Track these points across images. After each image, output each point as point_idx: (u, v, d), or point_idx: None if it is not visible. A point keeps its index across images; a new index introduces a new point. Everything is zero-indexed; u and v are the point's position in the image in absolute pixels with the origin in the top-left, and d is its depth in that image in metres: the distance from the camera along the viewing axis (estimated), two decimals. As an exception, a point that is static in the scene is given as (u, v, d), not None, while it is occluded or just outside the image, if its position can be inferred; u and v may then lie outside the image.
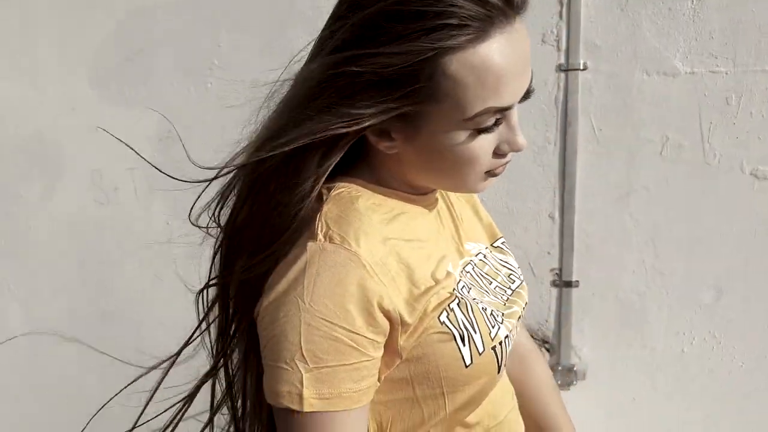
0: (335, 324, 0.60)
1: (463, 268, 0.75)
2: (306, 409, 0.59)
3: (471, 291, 0.72)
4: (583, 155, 1.70)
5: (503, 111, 0.64)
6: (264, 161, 0.62)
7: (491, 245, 0.84)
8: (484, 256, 0.80)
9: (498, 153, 0.67)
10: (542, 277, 1.78)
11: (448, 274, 0.70)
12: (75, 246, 2.02)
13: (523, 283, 0.82)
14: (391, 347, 0.64)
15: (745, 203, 1.62)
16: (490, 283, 0.77)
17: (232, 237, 0.66)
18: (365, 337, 0.61)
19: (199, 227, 0.70)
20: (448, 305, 0.66)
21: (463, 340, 0.66)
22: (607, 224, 1.71)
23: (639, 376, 1.75)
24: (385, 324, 0.63)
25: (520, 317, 0.79)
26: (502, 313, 0.73)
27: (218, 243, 0.69)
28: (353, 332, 0.60)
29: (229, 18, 1.82)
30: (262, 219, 0.63)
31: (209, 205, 0.69)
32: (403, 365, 0.66)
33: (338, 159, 0.64)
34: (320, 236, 0.63)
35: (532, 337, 1.79)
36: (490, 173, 0.69)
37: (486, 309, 0.70)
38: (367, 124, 0.61)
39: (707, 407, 1.73)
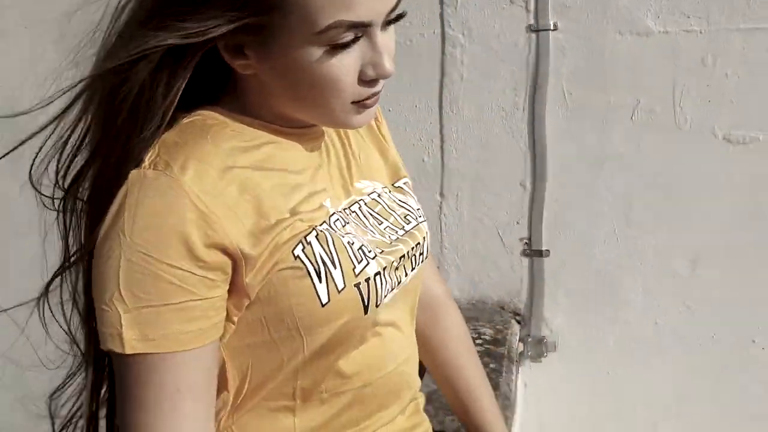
0: (156, 259, 0.55)
1: (350, 206, 0.70)
2: (128, 351, 0.55)
3: (347, 226, 0.67)
4: (553, 120, 1.64)
5: (360, 27, 0.59)
6: (113, 97, 0.58)
7: (392, 185, 0.79)
8: (379, 195, 0.75)
9: (364, 79, 0.62)
10: (512, 247, 1.73)
11: (320, 207, 0.65)
12: None
13: (421, 224, 0.77)
14: (237, 285, 0.59)
15: (719, 170, 1.57)
16: (380, 222, 0.72)
17: (91, 194, 0.62)
18: (192, 273, 0.56)
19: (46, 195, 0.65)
20: (305, 237, 0.61)
21: (319, 275, 0.61)
22: (578, 192, 1.66)
23: (612, 347, 1.71)
24: (220, 259, 0.58)
25: (416, 258, 0.74)
26: (382, 250, 0.68)
27: (66, 203, 0.64)
28: (177, 268, 0.56)
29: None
30: (116, 163, 0.59)
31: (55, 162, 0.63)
32: (256, 306, 0.61)
33: (184, 82, 0.59)
34: (146, 163, 0.58)
35: (502, 308, 1.76)
36: (360, 104, 0.63)
37: (354, 243, 0.65)
38: (205, 38, 0.57)
39: (681, 379, 1.68)
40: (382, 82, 0.64)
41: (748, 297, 1.61)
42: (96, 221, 0.59)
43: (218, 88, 0.67)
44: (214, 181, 0.59)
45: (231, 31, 0.58)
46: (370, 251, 0.66)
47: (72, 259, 0.64)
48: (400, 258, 0.70)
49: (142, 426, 0.57)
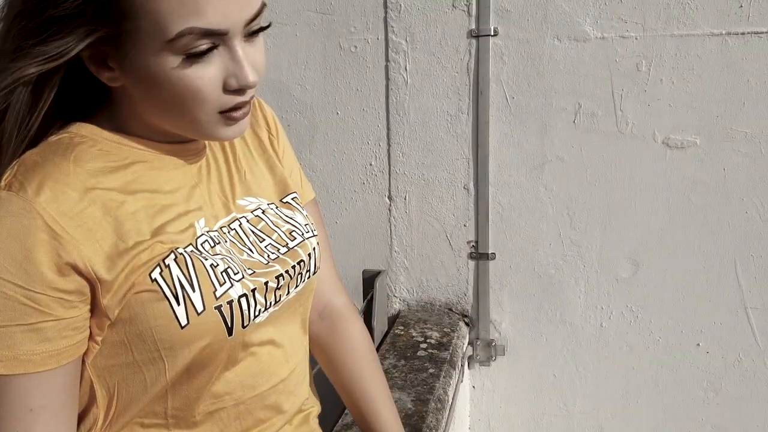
0: (6, 280, 0.55)
1: (229, 224, 0.69)
2: None
3: (217, 247, 0.66)
4: (495, 125, 1.66)
5: (215, 35, 0.58)
6: None
7: (280, 200, 0.79)
8: (263, 212, 0.74)
9: (228, 89, 0.61)
10: (459, 250, 1.75)
11: (188, 228, 0.65)
12: None
13: (307, 240, 0.75)
14: (97, 306, 0.59)
15: (659, 173, 1.58)
16: (262, 240, 0.71)
17: None
18: (45, 294, 0.56)
19: None
20: (163, 260, 0.61)
21: (177, 298, 0.60)
22: (522, 195, 1.68)
23: (559, 351, 1.72)
24: (75, 280, 0.58)
25: (302, 276, 0.73)
26: (253, 271, 0.67)
27: None
28: (28, 290, 0.56)
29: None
30: None
31: None
32: (118, 327, 0.61)
33: (47, 102, 0.60)
34: (2, 184, 0.58)
35: (451, 310, 1.77)
36: (227, 114, 0.63)
37: (218, 266, 0.64)
38: (65, 57, 0.57)
39: (626, 381, 1.69)
40: (250, 92, 0.63)
41: (690, 300, 1.62)
42: None
43: (96, 102, 0.68)
44: (73, 202, 0.59)
45: (90, 44, 0.58)
46: (236, 273, 0.65)
47: None
48: (277, 277, 0.69)
49: None
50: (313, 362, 0.85)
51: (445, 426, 1.33)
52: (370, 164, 1.78)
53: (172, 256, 0.61)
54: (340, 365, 0.88)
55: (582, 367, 1.71)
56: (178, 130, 0.65)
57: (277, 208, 0.76)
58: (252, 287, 0.66)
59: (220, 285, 0.63)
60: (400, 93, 1.71)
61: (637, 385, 1.69)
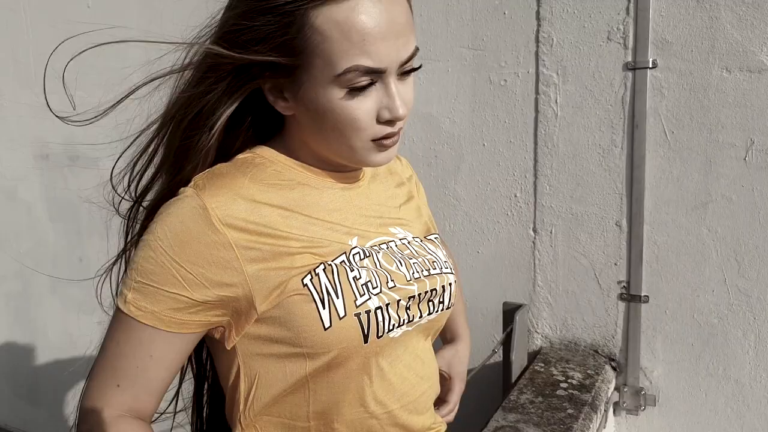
0: (166, 252, 0.68)
1: (379, 244, 0.78)
2: (125, 310, 0.69)
3: (365, 260, 0.73)
4: (653, 160, 1.56)
5: (375, 73, 0.67)
6: (179, 128, 0.73)
7: (425, 237, 0.86)
8: (408, 242, 0.82)
9: (380, 120, 0.70)
10: (608, 289, 1.67)
11: (340, 243, 0.73)
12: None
13: (446, 274, 0.82)
14: (246, 305, 0.70)
15: None
16: (411, 259, 0.80)
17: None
18: (192, 275, 0.67)
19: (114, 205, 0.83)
20: (314, 270, 0.70)
21: (323, 302, 0.69)
22: (680, 236, 1.56)
23: (722, 410, 1.56)
24: (225, 276, 0.68)
25: (434, 304, 0.79)
26: (394, 284, 0.74)
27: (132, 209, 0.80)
28: (180, 265, 0.67)
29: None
30: (173, 182, 0.75)
31: (128, 178, 0.79)
32: (268, 323, 0.70)
33: (243, 130, 0.74)
34: (192, 183, 0.71)
35: (596, 352, 1.70)
36: (378, 142, 0.70)
37: (359, 279, 0.71)
38: (253, 83, 0.69)
39: (802, 452, 1.49)
40: (399, 124, 0.72)
41: None
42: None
43: (274, 129, 0.79)
44: (241, 209, 0.70)
45: (270, 74, 0.69)
46: (375, 287, 0.73)
47: (126, 251, 0.80)
48: (410, 297, 0.76)
49: (112, 366, 0.70)
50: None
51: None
52: (515, 195, 1.77)
53: (322, 266, 0.70)
54: None
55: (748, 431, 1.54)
56: (336, 157, 0.75)
57: (421, 241, 0.83)
58: (387, 302, 0.73)
59: (360, 296, 0.71)
60: (549, 125, 1.69)
61: (817, 458, 1.48)
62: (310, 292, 0.69)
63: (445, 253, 0.87)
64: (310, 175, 0.76)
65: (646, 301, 1.61)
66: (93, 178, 0.86)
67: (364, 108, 0.68)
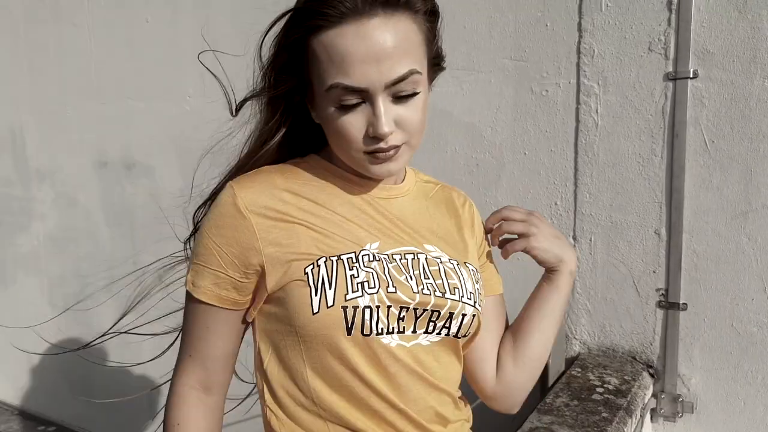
0: (210, 235, 0.80)
1: (405, 254, 0.83)
2: (186, 288, 0.83)
3: (375, 263, 0.79)
4: (693, 169, 1.59)
5: (357, 92, 0.74)
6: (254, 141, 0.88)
7: (463, 262, 0.90)
8: (440, 260, 0.86)
9: (368, 135, 0.77)
10: (647, 297, 1.68)
11: (352, 244, 0.81)
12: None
13: (462, 303, 0.84)
14: (262, 282, 0.80)
15: None
16: (427, 277, 0.83)
17: None
18: (227, 255, 0.79)
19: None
20: (316, 261, 0.78)
21: (316, 290, 0.76)
22: (720, 244, 1.57)
23: (761, 418, 1.56)
24: (250, 257, 0.79)
25: (435, 324, 0.83)
26: (395, 290, 0.79)
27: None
28: (219, 246, 0.79)
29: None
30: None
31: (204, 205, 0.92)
32: (273, 302, 0.80)
33: (279, 134, 0.83)
34: (236, 179, 0.83)
35: (634, 358, 1.71)
36: (371, 155, 0.78)
37: (357, 277, 0.78)
38: (291, 97, 0.81)
39: (844, 465, 1.47)
40: (392, 141, 0.78)
41: None
42: None
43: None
44: (264, 199, 0.81)
45: (299, 96, 0.81)
46: (372, 287, 0.78)
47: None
48: (402, 308, 0.80)
49: (185, 339, 0.83)
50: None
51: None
52: (556, 203, 1.81)
53: (324, 259, 0.77)
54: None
55: (788, 440, 1.53)
56: (346, 163, 0.82)
57: (457, 264, 0.87)
58: (377, 303, 0.78)
59: (353, 291, 0.77)
60: (589, 135, 1.72)
61: None
62: (308, 279, 0.77)
63: (476, 285, 0.89)
64: (344, 181, 0.85)
65: (685, 309, 1.63)
66: (147, 185, 0.99)
67: (352, 123, 0.76)
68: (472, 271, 0.89)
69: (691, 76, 1.55)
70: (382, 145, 0.77)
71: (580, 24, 1.71)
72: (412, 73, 0.76)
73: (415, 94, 0.77)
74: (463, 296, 0.85)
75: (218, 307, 0.81)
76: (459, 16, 1.92)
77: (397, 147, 0.78)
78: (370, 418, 0.81)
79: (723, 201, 1.56)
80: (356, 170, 0.83)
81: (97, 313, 2.94)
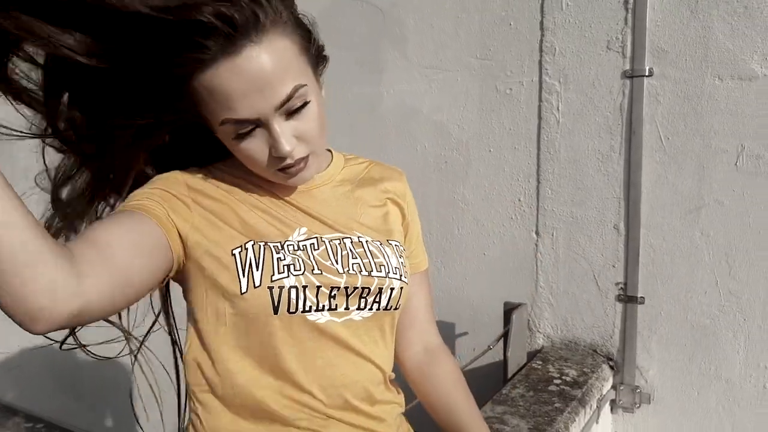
0: (151, 186, 0.84)
1: (331, 240, 0.86)
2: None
3: (300, 251, 0.83)
4: (649, 165, 1.62)
5: (249, 122, 0.76)
6: None
7: (386, 240, 0.92)
8: (365, 242, 0.89)
9: (273, 155, 0.79)
10: (606, 291, 1.72)
11: (278, 230, 0.84)
12: None
13: (390, 279, 0.87)
14: (185, 238, 0.81)
15: (840, 222, 1.41)
16: (354, 258, 0.86)
17: None
18: (162, 197, 0.82)
19: None
20: (244, 244, 0.81)
21: (243, 272, 0.79)
22: (675, 239, 1.61)
23: (713, 408, 1.60)
24: (183, 206, 0.82)
25: (367, 300, 0.85)
26: (321, 272, 0.82)
27: None
28: (160, 190, 0.82)
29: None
30: None
31: None
32: (201, 285, 0.82)
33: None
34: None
35: (595, 351, 1.75)
36: (283, 171, 0.81)
37: (283, 260, 0.81)
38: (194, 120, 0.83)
39: (793, 454, 1.51)
40: (297, 155, 0.80)
41: None
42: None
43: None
44: (199, 181, 0.85)
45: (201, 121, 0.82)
46: (298, 269, 0.81)
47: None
48: (333, 288, 0.83)
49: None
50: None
51: (564, 462, 1.33)
52: (519, 200, 1.84)
53: (252, 243, 0.80)
54: (434, 391, 1.01)
55: (740, 430, 1.56)
56: (263, 177, 0.84)
57: (380, 244, 0.90)
58: (304, 284, 0.81)
59: (279, 273, 0.80)
60: (551, 132, 1.76)
61: (808, 460, 1.50)
62: (235, 260, 0.79)
63: (401, 261, 0.91)
64: (262, 180, 0.87)
65: (642, 303, 1.66)
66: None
67: (254, 149, 0.78)
68: (395, 247, 0.92)
69: (647, 74, 1.59)
70: (289, 161, 0.79)
71: (542, 23, 1.74)
72: (297, 89, 0.76)
73: (305, 104, 0.78)
74: (389, 272, 0.88)
75: (138, 211, 0.79)
76: (427, 17, 1.95)
77: (304, 158, 0.81)
78: (289, 399, 0.83)
79: (678, 196, 1.59)
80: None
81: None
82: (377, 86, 2.07)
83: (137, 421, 1.17)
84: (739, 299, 1.54)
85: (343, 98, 2.11)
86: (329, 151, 0.97)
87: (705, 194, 1.56)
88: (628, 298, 1.68)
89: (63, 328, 0.66)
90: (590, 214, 1.72)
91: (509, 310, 1.75)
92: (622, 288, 1.69)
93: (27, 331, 0.64)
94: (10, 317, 0.62)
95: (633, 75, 1.61)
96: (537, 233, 1.82)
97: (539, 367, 1.70)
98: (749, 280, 1.52)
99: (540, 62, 1.76)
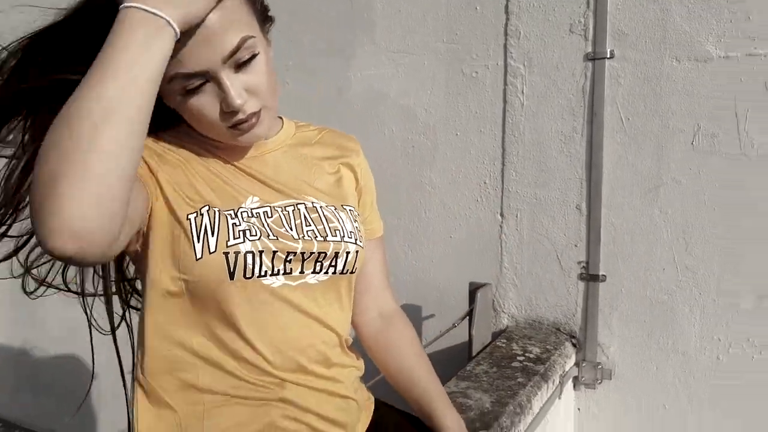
0: None
1: (286, 206, 0.86)
2: None
3: (252, 219, 0.82)
4: (610, 146, 1.66)
5: (199, 75, 0.75)
6: None
7: (341, 205, 0.92)
8: (321, 207, 0.89)
9: (224, 111, 0.78)
10: (569, 270, 1.75)
11: (232, 198, 0.83)
12: None
13: (345, 243, 0.87)
14: (152, 194, 0.80)
15: (789, 198, 1.47)
16: (308, 225, 0.86)
17: None
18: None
19: None
20: (199, 210, 0.80)
21: (198, 237, 0.78)
22: (635, 218, 1.65)
23: (671, 381, 1.64)
24: (150, 156, 0.81)
25: (323, 265, 0.85)
26: (276, 238, 0.81)
27: None
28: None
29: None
30: None
31: None
32: (154, 230, 0.80)
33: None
34: None
35: (559, 329, 1.78)
36: (235, 129, 0.80)
37: (239, 226, 0.80)
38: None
39: (746, 422, 1.56)
40: (249, 109, 0.79)
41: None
42: None
43: None
44: (157, 146, 0.84)
45: None
46: (254, 235, 0.80)
47: None
48: (290, 252, 0.83)
49: None
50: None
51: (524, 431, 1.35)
52: (485, 182, 1.86)
53: (207, 208, 0.80)
54: (390, 355, 1.02)
55: (696, 401, 1.61)
56: (214, 138, 0.84)
57: (335, 209, 0.90)
58: (260, 249, 0.80)
59: (234, 239, 0.79)
60: (516, 115, 1.79)
61: (755, 427, 1.55)
62: (191, 226, 0.78)
63: (355, 225, 0.91)
64: (213, 147, 0.86)
65: (604, 281, 1.70)
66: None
67: (204, 104, 0.77)
68: (349, 211, 0.92)
69: (608, 56, 1.63)
70: (240, 116, 0.78)
71: (507, 6, 1.77)
72: (245, 40, 0.76)
73: (254, 56, 0.78)
74: (344, 236, 0.88)
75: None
76: (395, 1, 1.96)
77: (256, 113, 0.80)
78: (244, 362, 0.82)
79: (637, 176, 1.63)
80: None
81: (41, 305, 2.90)
82: (345, 71, 2.07)
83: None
84: (695, 274, 1.58)
85: (311, 83, 2.11)
86: (280, 118, 0.97)
87: (663, 173, 1.60)
88: (590, 277, 1.72)
89: (91, 256, 0.63)
90: (553, 195, 1.76)
91: (474, 289, 1.77)
92: (584, 267, 1.73)
93: (52, 242, 0.60)
94: (46, 215, 0.60)
95: (595, 57, 1.65)
96: (502, 215, 1.85)
97: (503, 345, 1.72)
98: (704, 255, 1.57)
99: (505, 46, 1.78)
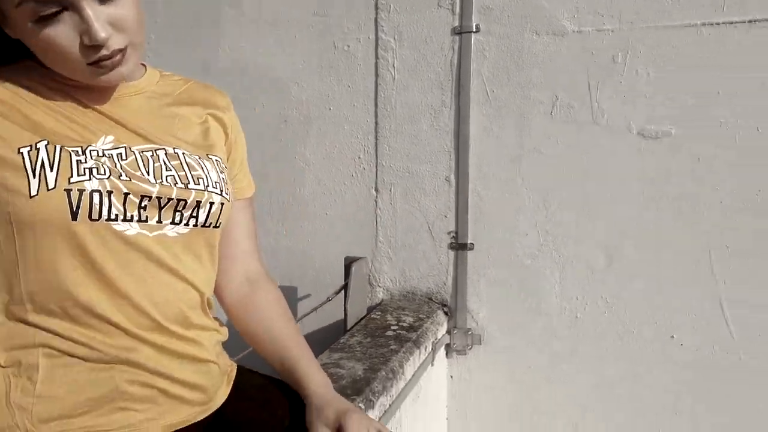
0: None
1: (144, 151, 0.78)
2: None
3: (104, 158, 0.74)
4: (476, 118, 1.71)
5: (54, 1, 0.67)
6: None
7: (206, 155, 0.86)
8: (183, 154, 0.82)
9: (85, 45, 0.70)
10: (440, 240, 1.78)
11: (79, 136, 0.75)
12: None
13: (208, 193, 0.81)
14: None
15: (634, 164, 1.59)
16: (169, 170, 0.79)
17: None
18: None
19: None
20: (35, 144, 0.71)
21: (34, 173, 0.69)
22: (500, 187, 1.71)
23: (536, 342, 1.72)
24: None
25: (182, 214, 0.79)
26: (129, 179, 0.74)
27: None
28: None
29: None
30: None
31: None
32: None
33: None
34: None
35: (431, 299, 1.80)
36: (96, 65, 0.72)
37: (84, 163, 0.72)
38: None
39: (600, 374, 1.67)
40: (114, 45, 0.71)
41: (665, 291, 1.60)
42: None
43: None
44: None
45: None
46: (103, 173, 0.72)
47: None
48: (143, 197, 0.75)
49: None
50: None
51: (396, 396, 1.35)
52: (359, 157, 1.86)
53: (45, 142, 0.71)
54: (257, 317, 0.95)
55: (557, 358, 1.70)
56: (69, 76, 0.75)
57: (199, 158, 0.84)
58: (109, 189, 0.72)
59: (79, 175, 0.71)
60: (387, 89, 1.80)
61: (610, 377, 1.66)
62: (23, 161, 0.70)
63: (221, 176, 0.85)
64: (65, 86, 0.77)
65: (472, 249, 1.75)
66: None
67: (60, 35, 0.69)
68: (216, 162, 0.86)
69: (474, 30, 1.68)
70: (104, 52, 0.70)
71: (377, -20, 1.78)
72: None
73: None
74: (208, 186, 0.82)
75: None
76: (265, -29, 1.91)
77: (122, 50, 0.72)
78: (85, 323, 0.73)
79: (501, 146, 1.70)
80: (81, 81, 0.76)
81: None
82: (215, 45, 1.98)
83: None
84: (555, 238, 1.67)
85: (179, 57, 2.00)
86: (143, 64, 0.89)
87: (525, 143, 1.67)
88: (459, 246, 1.76)
89: None
90: (424, 168, 1.78)
91: (349, 263, 1.75)
92: (453, 236, 1.77)
93: None
94: None
95: (462, 31, 1.69)
96: (376, 189, 1.85)
97: (378, 317, 1.71)
98: (563, 220, 1.66)
99: (376, 19, 1.79)
